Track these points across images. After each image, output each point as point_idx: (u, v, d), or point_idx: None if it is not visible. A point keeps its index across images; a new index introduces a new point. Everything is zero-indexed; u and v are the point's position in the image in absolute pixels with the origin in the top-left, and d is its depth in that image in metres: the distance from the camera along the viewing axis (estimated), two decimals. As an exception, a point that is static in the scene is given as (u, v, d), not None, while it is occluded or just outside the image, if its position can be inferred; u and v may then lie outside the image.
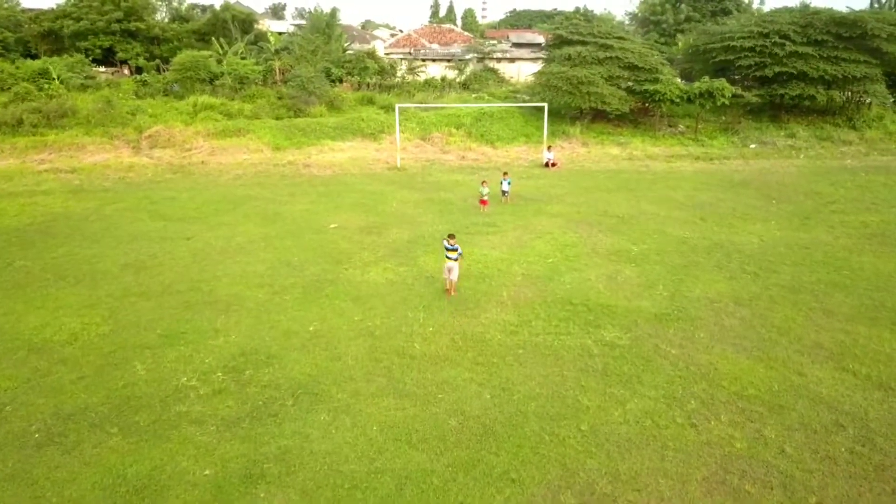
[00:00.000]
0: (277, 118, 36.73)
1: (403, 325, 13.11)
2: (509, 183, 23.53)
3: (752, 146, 34.39)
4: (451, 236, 14.71)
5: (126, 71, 52.55)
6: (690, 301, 14.27)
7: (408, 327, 13.03)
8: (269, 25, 71.60)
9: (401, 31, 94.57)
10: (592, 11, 67.62)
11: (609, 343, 12.29)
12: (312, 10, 63.89)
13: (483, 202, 22.29)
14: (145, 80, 41.88)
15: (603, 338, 12.51)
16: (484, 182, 22.49)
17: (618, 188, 25.82)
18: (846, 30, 35.76)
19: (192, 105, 37.07)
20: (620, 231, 19.73)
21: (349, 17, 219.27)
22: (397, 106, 30.70)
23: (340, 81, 46.10)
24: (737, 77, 38.80)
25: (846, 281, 15.43)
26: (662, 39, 57.14)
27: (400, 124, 35.31)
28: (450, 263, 14.55)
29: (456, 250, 14.47)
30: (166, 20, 59.77)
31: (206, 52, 42.64)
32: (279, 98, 39.39)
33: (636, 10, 68.42)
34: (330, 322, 13.33)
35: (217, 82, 41.04)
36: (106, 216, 21.52)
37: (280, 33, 58.33)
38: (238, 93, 40.32)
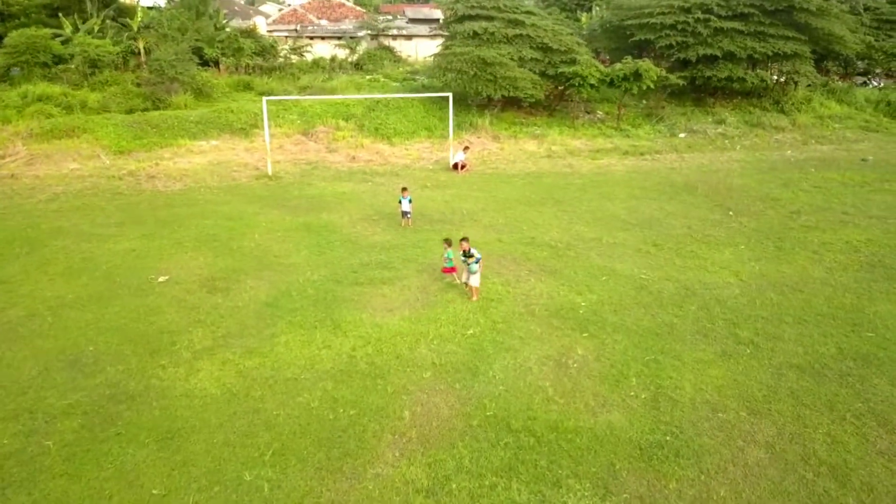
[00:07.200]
0: (130, 111, 29.84)
1: (233, 509, 7.72)
2: (410, 201, 18.32)
3: (682, 135, 30.57)
4: (464, 240, 12.98)
5: (-33, 53, 43.28)
6: (683, 410, 9.55)
7: (240, 514, 7.65)
8: (139, -1, 62.39)
9: (289, 5, 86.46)
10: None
11: (581, 528, 7.39)
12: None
13: (447, 270, 14.08)
14: None
15: (569, 513, 7.60)
16: (447, 242, 13.97)
17: (542, 200, 20.98)
18: (771, 3, 32.65)
19: (21, 96, 29.57)
20: (557, 271, 14.88)
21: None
22: (265, 99, 24.58)
23: (216, 64, 39.30)
24: (654, 57, 35.00)
25: (876, 350, 11.14)
26: (564, 15, 52.85)
27: (279, 116, 29.39)
28: (473, 278, 12.88)
29: (473, 256, 12.72)
30: (13, -7, 50.28)
31: (48, 31, 34.71)
32: (137, 85, 32.36)
33: (534, -17, 64.04)
34: (106, 505, 7.76)
35: (62, 66, 33.46)
36: None
37: (150, 8, 50.15)
38: (89, 79, 32.93)
